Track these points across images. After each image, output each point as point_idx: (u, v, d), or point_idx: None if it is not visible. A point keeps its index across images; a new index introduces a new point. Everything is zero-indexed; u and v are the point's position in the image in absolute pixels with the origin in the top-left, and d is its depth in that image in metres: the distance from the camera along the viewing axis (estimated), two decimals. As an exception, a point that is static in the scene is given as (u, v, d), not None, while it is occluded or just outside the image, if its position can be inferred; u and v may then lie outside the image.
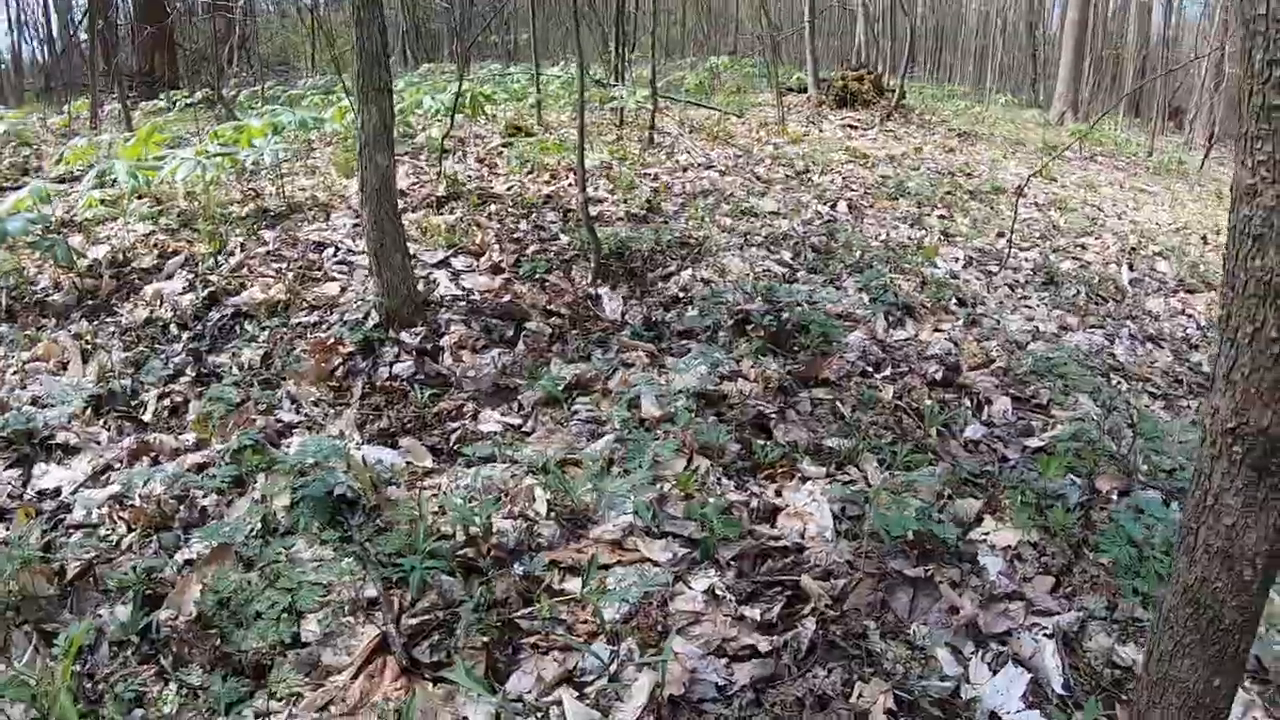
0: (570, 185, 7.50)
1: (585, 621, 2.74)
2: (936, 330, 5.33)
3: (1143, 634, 3.00)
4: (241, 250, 5.61)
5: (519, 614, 2.76)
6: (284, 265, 5.46)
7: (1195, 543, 1.86)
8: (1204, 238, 10.33)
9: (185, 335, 4.69)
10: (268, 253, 5.64)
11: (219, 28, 16.25)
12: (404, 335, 4.62)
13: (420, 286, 5.05)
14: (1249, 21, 1.59)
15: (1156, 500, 3.75)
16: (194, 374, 4.33)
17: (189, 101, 11.43)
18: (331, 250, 5.74)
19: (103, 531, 3.15)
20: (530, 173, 7.98)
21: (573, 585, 2.88)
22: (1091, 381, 4.99)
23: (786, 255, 6.23)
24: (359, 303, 4.86)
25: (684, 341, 4.80)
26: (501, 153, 8.99)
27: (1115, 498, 3.88)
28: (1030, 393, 4.78)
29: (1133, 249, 8.57)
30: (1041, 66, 32.48)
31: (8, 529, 3.17)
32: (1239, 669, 1.95)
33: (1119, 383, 5.27)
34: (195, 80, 17.61)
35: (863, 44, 20.57)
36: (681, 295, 5.41)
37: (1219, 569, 1.82)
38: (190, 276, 5.19)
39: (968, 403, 4.52)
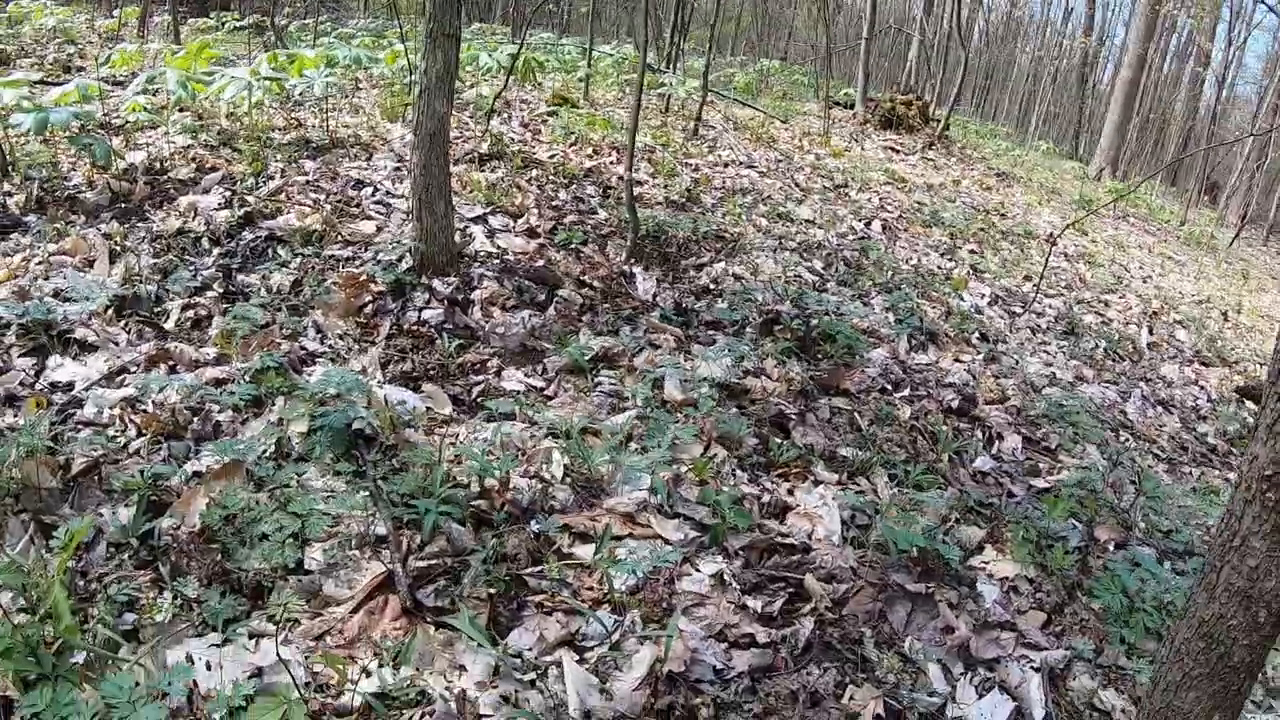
0: (613, 162, 7.53)
1: (592, 589, 2.77)
2: (957, 360, 5.36)
3: (1125, 681, 3.05)
4: (281, 176, 5.61)
5: (527, 572, 2.78)
6: (322, 197, 5.48)
7: (1217, 580, 1.92)
8: (1225, 314, 10.38)
9: (216, 251, 4.68)
10: (307, 182, 5.65)
11: None
12: (436, 283, 4.64)
13: (457, 238, 5.08)
14: None
15: (1151, 557, 3.79)
16: (221, 290, 4.31)
17: (240, 24, 11.41)
18: (371, 190, 5.76)
19: (112, 432, 3.12)
20: (574, 144, 8.01)
21: (583, 551, 2.91)
22: (1100, 434, 5.03)
23: (818, 264, 6.26)
24: (394, 244, 4.87)
25: (711, 331, 4.83)
26: (546, 121, 9.01)
27: (1112, 548, 3.93)
28: (1041, 435, 4.82)
29: (1154, 313, 8.61)
30: (1086, 120, 32.49)
31: (16, 415, 3.14)
32: (1239, 707, 2.01)
33: (1127, 440, 5.31)
34: (247, 4, 17.57)
35: (914, 69, 20.60)
36: (713, 286, 5.44)
37: (1236, 608, 1.90)
38: (227, 194, 5.19)
39: (980, 435, 4.56)
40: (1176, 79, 34.99)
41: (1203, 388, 7.10)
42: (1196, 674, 1.98)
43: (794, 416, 4.01)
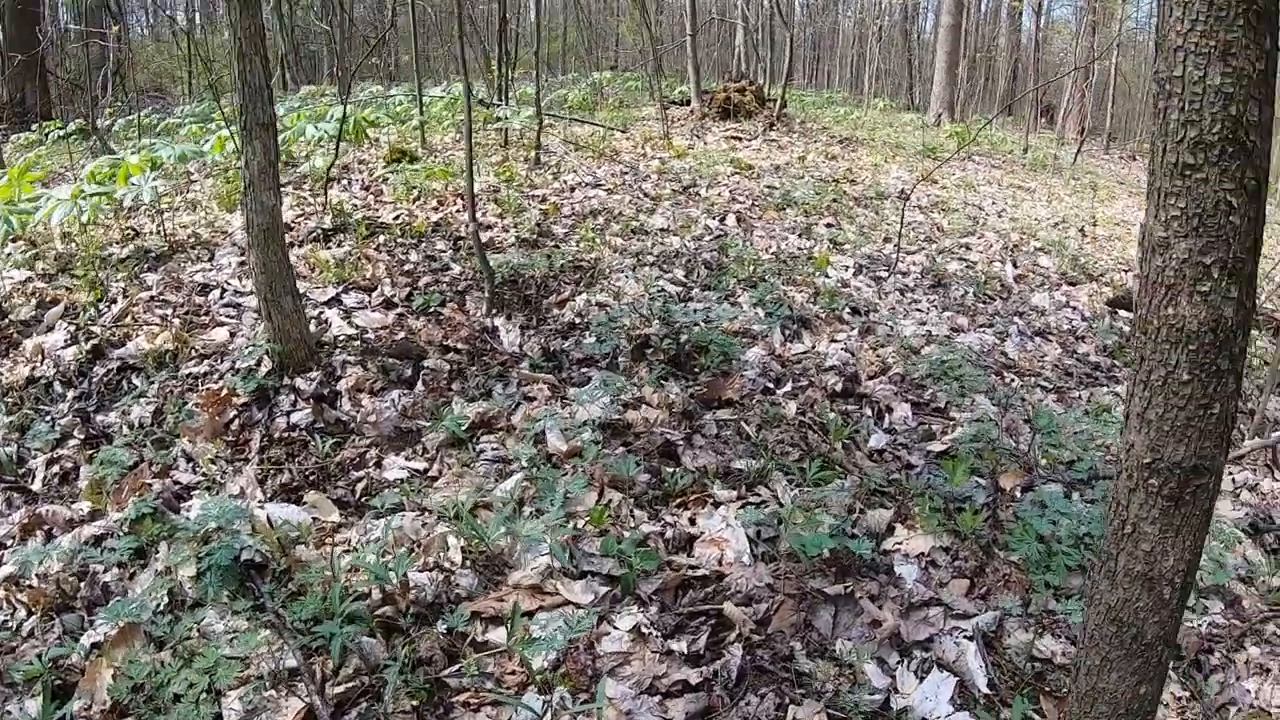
0: (458, 211, 7.40)
1: (514, 673, 2.66)
2: (833, 341, 5.37)
3: (1059, 625, 3.06)
4: (124, 297, 5.36)
5: (446, 672, 2.66)
6: (169, 311, 5.25)
7: (1115, 568, 1.93)
8: (1082, 230, 10.67)
9: (70, 394, 4.45)
10: (151, 298, 5.41)
11: (92, 54, 15.73)
12: (299, 381, 4.48)
13: (312, 328, 4.90)
14: (1164, 82, 1.65)
15: (1059, 493, 3.83)
16: (83, 435, 4.10)
17: (63, 133, 10.99)
18: (218, 292, 5.55)
19: (2, 616, 2.96)
20: (417, 199, 7.87)
21: (497, 636, 2.80)
22: (986, 381, 5.09)
23: (680, 273, 6.23)
24: (250, 348, 4.69)
25: (584, 369, 4.75)
26: (387, 179, 8.86)
27: (1019, 494, 3.96)
28: (929, 397, 4.85)
29: (1015, 246, 8.79)
30: (917, 70, 33.29)
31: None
32: (1162, 676, 2.02)
33: (1012, 380, 5.38)
34: (69, 110, 17.02)
35: (743, 55, 20.83)
36: (578, 321, 5.37)
37: (1140, 590, 1.90)
38: (72, 328, 4.94)
39: (869, 412, 4.56)
40: (996, 13, 36.11)
41: (1075, 308, 7.26)
42: (1114, 656, 1.99)
43: (681, 442, 3.95)
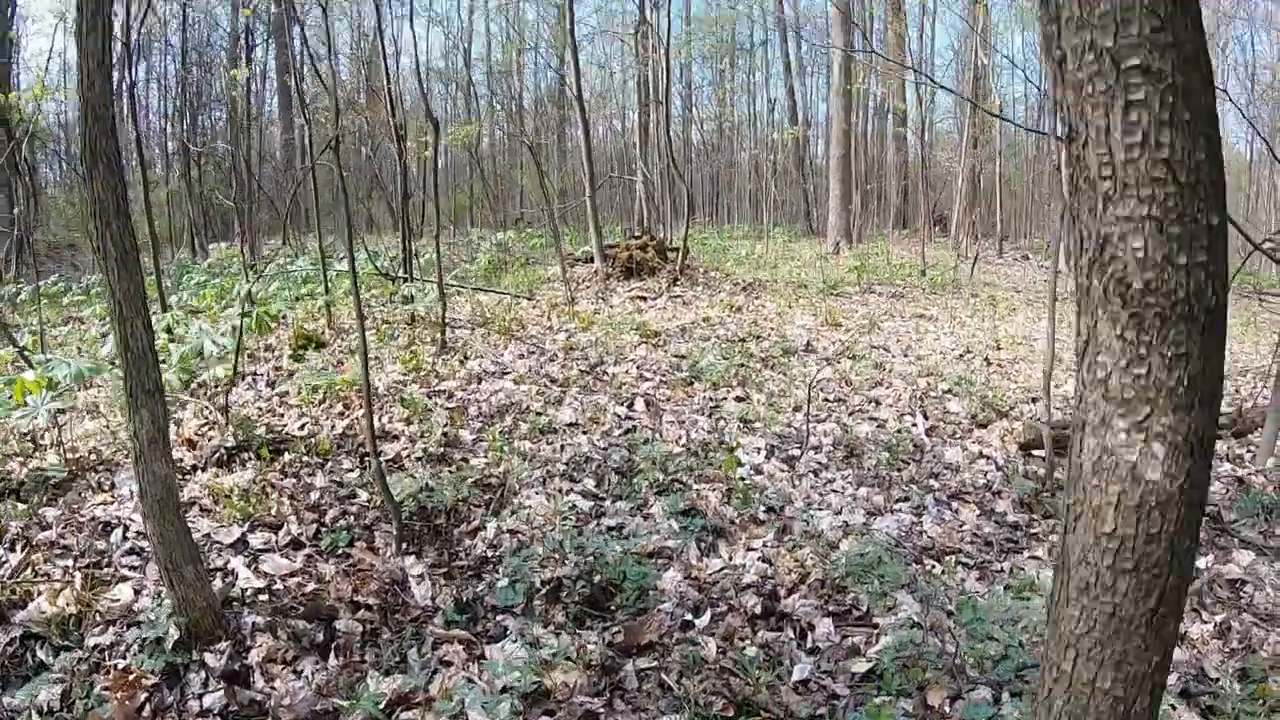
0: (364, 416, 7.31)
1: None
2: (749, 549, 5.32)
3: None
4: (23, 540, 5.12)
5: None
6: (71, 562, 5.02)
7: (1071, 680, 1.84)
8: (986, 359, 10.91)
9: None
10: (51, 544, 5.19)
11: None
12: (208, 656, 4.26)
13: (217, 583, 4.74)
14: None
15: (987, 700, 3.80)
16: (-10, 731, 3.89)
17: None
18: (120, 533, 5.29)
19: None
20: (323, 402, 7.78)
21: None
22: (907, 573, 5.05)
23: (590, 483, 6.17)
24: (155, 612, 4.49)
25: (501, 617, 4.62)
26: (292, 374, 8.76)
27: (949, 707, 3.90)
28: (850, 602, 4.79)
29: (924, 393, 8.91)
30: (813, 196, 34.33)
31: None
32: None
33: (932, 565, 5.36)
34: None
35: (643, 200, 21.25)
36: (490, 554, 5.25)
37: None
38: None
39: (791, 634, 4.49)
40: (882, 134, 37.51)
41: (988, 457, 7.34)
42: None
43: (602, 710, 3.83)
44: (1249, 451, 7.43)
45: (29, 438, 6.63)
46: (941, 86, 10.64)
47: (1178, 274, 1.52)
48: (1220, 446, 7.48)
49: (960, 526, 6.00)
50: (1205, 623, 4.72)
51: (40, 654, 4.27)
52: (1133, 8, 1.49)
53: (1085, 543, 1.68)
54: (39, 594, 4.65)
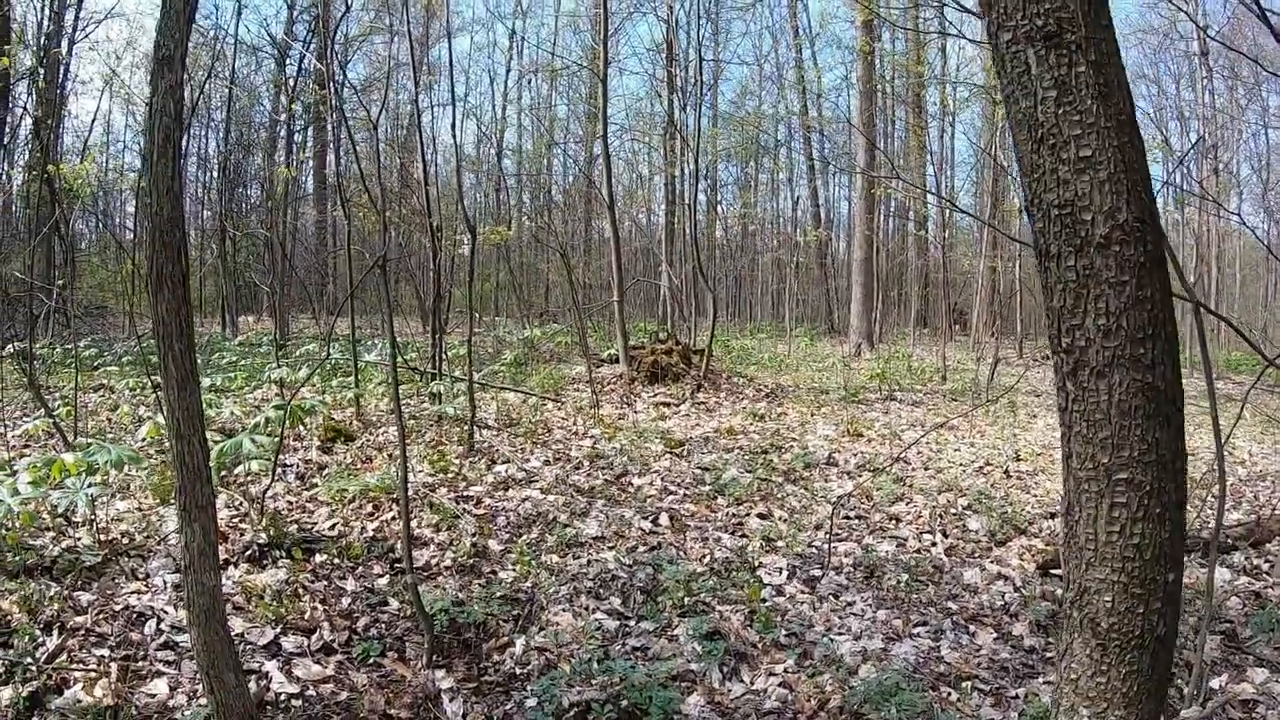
0: (393, 520, 7.52)
1: None
2: (770, 674, 5.45)
3: None
4: (58, 623, 5.28)
5: None
6: (106, 651, 5.17)
7: None
8: (1006, 471, 11.01)
9: None
10: (86, 630, 5.34)
11: (37, 267, 15.74)
12: None
13: (252, 685, 4.89)
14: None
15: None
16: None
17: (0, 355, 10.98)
18: (154, 624, 5.46)
19: None
20: (352, 502, 7.98)
21: None
22: (922, 700, 5.17)
23: (616, 602, 6.33)
24: (192, 709, 4.63)
25: (528, 740, 4.79)
26: (322, 467, 8.98)
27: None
28: (869, 732, 4.93)
29: (944, 510, 9.04)
30: (835, 294, 34.70)
31: None
32: None
33: (949, 692, 5.47)
34: (9, 327, 17.05)
35: (668, 304, 21.61)
36: (519, 672, 5.42)
37: None
38: (5, 660, 4.83)
39: (811, 766, 4.63)
40: (903, 234, 37.99)
41: (1006, 578, 7.43)
42: None
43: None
44: (1267, 562, 7.47)
45: (63, 516, 6.82)
46: (958, 209, 10.94)
47: (1136, 619, 2.07)
48: (1236, 558, 7.53)
49: (977, 651, 6.09)
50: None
51: (78, 751, 4.42)
52: (1126, 435, 1.96)
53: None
54: (75, 681, 4.81)
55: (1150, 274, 2.09)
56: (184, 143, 4.44)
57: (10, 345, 10.81)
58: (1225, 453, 3.58)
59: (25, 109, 20.12)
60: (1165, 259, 2.13)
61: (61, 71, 23.55)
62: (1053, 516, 8.97)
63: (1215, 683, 5.38)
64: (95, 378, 14.66)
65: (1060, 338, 2.19)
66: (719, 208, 39.29)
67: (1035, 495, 9.98)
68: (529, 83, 40.27)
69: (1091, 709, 2.07)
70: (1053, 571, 7.43)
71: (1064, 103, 2.08)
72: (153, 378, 9.40)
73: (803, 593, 6.71)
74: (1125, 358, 2.07)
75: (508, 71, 40.11)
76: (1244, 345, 21.03)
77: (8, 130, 19.44)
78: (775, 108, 38.23)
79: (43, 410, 8.95)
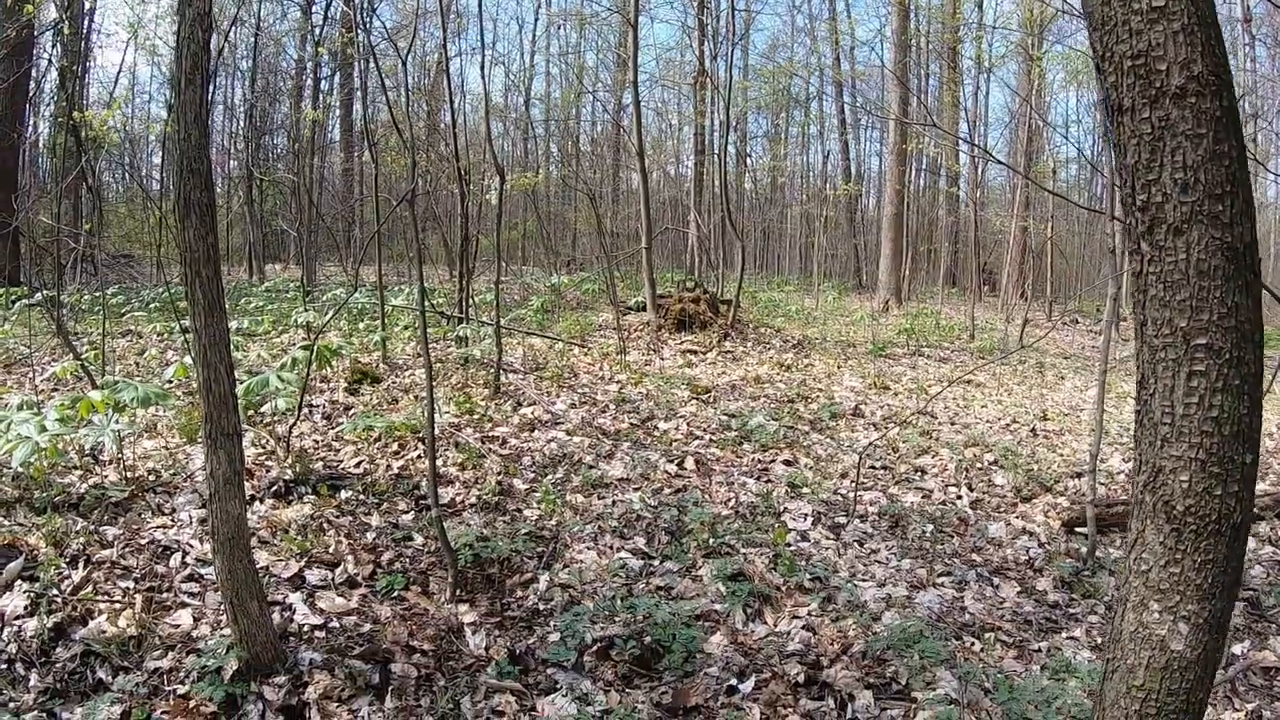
0: (418, 457, 7.55)
1: None
2: (794, 616, 5.46)
3: None
4: (84, 560, 5.32)
5: None
6: (131, 583, 5.23)
7: None
8: (1033, 430, 10.94)
9: (33, 677, 4.40)
10: (112, 563, 5.40)
11: (65, 216, 15.87)
12: (266, 690, 4.46)
13: (276, 617, 4.92)
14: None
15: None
16: (54, 734, 4.06)
17: (29, 302, 11.04)
18: (179, 557, 5.51)
19: None
20: (378, 441, 8.00)
21: None
22: (946, 648, 5.17)
23: (641, 541, 6.34)
24: (216, 643, 4.69)
25: (551, 670, 4.80)
26: (348, 408, 9.00)
27: (985, 790, 4.02)
28: (890, 675, 4.90)
29: (969, 465, 9.00)
30: (865, 250, 34.42)
31: None
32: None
33: (972, 642, 5.47)
34: (37, 273, 17.18)
35: (695, 254, 21.50)
36: (542, 607, 5.43)
37: None
38: (31, 592, 4.87)
39: (831, 703, 4.62)
40: (934, 192, 37.57)
41: (1031, 533, 7.41)
42: None
43: (648, 776, 3.99)
44: (1293, 531, 7.45)
45: (90, 454, 6.88)
46: (994, 159, 10.77)
47: (1213, 502, 1.97)
48: (1262, 528, 7.50)
49: (1001, 604, 6.08)
50: (1237, 710, 4.78)
51: (100, 673, 4.47)
52: (1206, 298, 1.86)
53: (1119, 690, 2.06)
54: (99, 613, 4.86)
55: (1227, 129, 2.00)
56: (210, 91, 4.38)
57: (39, 293, 10.84)
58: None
59: (51, 60, 20.10)
60: (1239, 120, 2.06)
61: (86, 22, 23.51)
62: (1079, 475, 8.91)
63: (1237, 648, 5.37)
64: (123, 324, 14.71)
65: (1135, 194, 2.09)
66: (748, 160, 39.06)
67: (1062, 455, 9.92)
68: (558, 30, 40.03)
69: (1163, 602, 2.00)
70: (1077, 529, 7.40)
71: (1135, -51, 2.04)
72: (181, 321, 9.44)
73: (827, 539, 6.70)
74: (1204, 214, 1.99)
75: (536, 19, 39.88)
76: (1277, 319, 20.74)
77: (34, 82, 19.44)
78: (807, 60, 37.76)
79: (71, 355, 8.99)
